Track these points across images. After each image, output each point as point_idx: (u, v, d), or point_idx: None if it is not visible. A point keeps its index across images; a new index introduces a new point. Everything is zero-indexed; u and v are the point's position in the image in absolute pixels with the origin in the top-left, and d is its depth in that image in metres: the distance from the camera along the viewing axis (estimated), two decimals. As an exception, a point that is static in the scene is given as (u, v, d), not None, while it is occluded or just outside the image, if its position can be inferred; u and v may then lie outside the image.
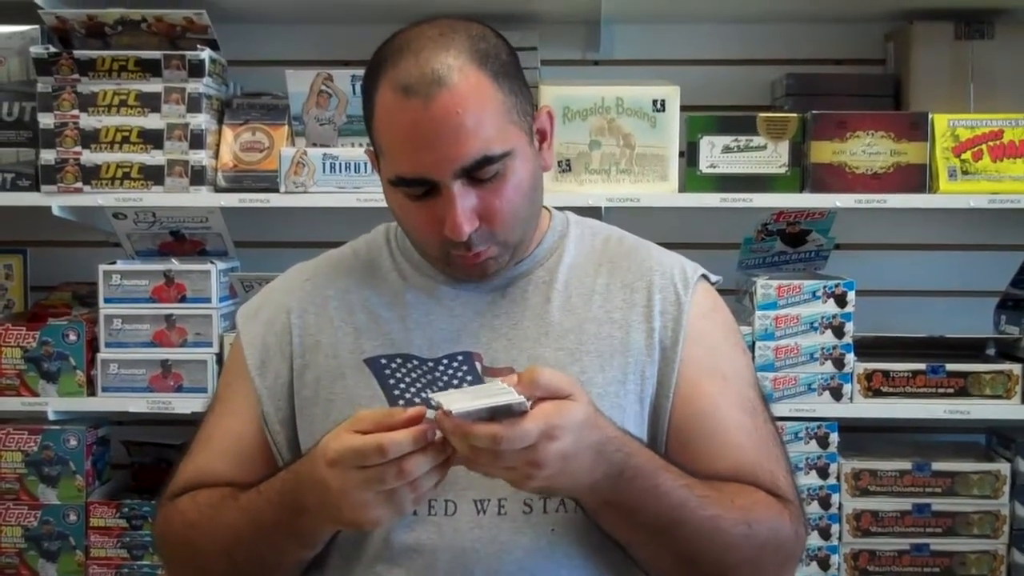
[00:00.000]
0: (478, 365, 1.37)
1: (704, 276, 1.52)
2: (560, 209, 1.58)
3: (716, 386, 1.43)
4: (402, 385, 1.31)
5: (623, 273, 1.49)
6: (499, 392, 1.20)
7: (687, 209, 2.55)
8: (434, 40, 1.35)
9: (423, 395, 1.29)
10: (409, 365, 1.34)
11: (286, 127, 2.58)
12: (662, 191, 2.48)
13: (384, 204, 1.42)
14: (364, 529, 1.34)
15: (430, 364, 1.35)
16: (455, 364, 1.35)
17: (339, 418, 1.32)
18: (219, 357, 2.51)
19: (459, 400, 1.21)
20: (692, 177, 2.52)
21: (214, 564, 1.42)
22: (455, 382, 1.32)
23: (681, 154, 2.53)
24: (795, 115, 2.52)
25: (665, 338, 1.44)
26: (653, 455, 1.34)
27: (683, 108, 2.49)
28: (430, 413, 1.24)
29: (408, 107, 1.32)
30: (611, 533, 1.37)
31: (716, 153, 2.50)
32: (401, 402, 1.29)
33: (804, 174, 2.51)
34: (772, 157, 2.50)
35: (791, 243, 2.59)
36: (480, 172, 1.34)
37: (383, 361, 1.33)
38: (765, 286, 2.50)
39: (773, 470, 1.44)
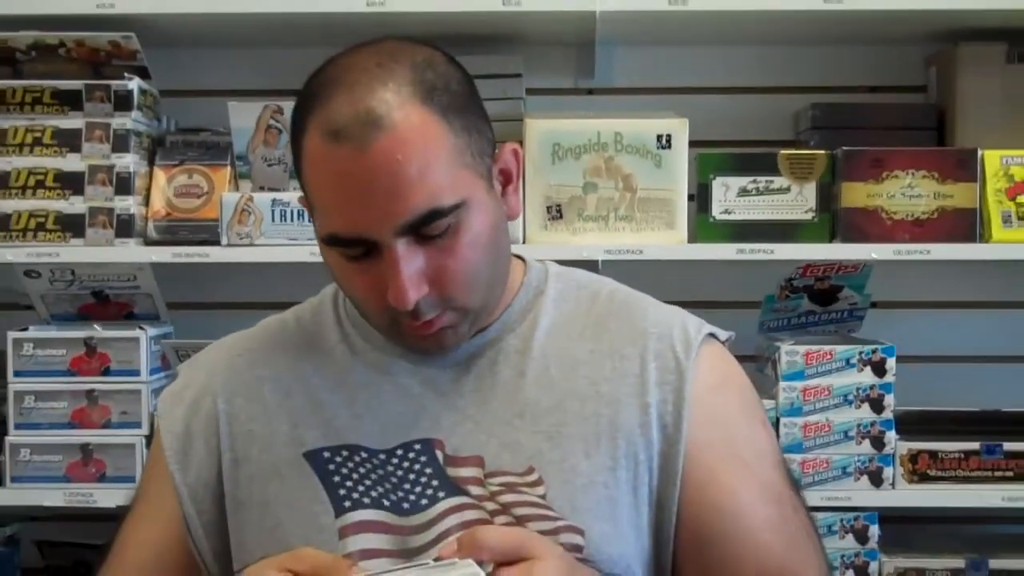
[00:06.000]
0: (439, 455, 1.32)
1: (712, 335, 1.43)
2: (541, 261, 1.51)
3: (735, 475, 1.36)
4: (348, 483, 1.29)
5: (611, 336, 1.40)
6: (456, 569, 1.13)
7: (698, 262, 2.50)
8: (370, 72, 1.26)
9: (373, 493, 1.28)
10: (357, 458, 1.31)
11: (228, 168, 2.55)
12: (669, 241, 2.43)
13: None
14: None
15: (382, 456, 1.32)
16: (411, 455, 1.31)
17: (275, 524, 1.30)
18: (148, 440, 2.40)
19: None
20: (703, 225, 2.47)
21: None
22: (411, 476, 1.30)
23: (691, 198, 2.48)
24: (823, 152, 2.46)
25: (665, 415, 1.36)
26: None
27: (692, 144, 2.44)
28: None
29: (339, 155, 1.24)
30: None
31: (731, 196, 2.46)
32: (347, 503, 1.27)
33: (834, 221, 2.47)
34: (797, 201, 2.46)
35: (820, 301, 2.56)
36: (428, 228, 1.27)
37: (325, 455, 1.31)
38: (790, 352, 2.45)
39: (803, 573, 1.35)
